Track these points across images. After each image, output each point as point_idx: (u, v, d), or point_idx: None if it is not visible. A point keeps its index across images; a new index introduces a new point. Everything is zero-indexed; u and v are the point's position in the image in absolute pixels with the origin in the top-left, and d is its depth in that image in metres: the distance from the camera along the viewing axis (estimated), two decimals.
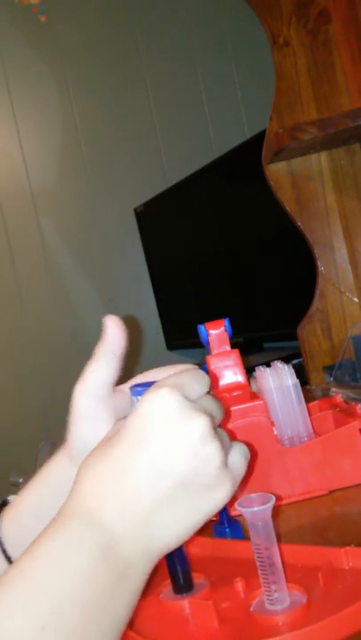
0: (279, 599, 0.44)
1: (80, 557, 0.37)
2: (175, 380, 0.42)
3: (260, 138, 1.22)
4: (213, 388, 0.51)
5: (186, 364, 0.48)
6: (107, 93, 2.10)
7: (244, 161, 1.49)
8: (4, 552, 0.48)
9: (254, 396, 0.74)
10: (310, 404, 0.81)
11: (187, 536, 0.41)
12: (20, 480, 1.08)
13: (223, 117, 2.16)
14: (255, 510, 0.43)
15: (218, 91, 2.17)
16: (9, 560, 0.48)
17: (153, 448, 0.39)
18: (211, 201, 1.76)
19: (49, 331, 2.05)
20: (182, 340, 2.02)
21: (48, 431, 1.49)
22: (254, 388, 0.80)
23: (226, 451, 0.41)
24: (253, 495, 0.44)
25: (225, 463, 0.41)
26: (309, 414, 0.75)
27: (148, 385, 0.46)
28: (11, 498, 0.53)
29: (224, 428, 0.44)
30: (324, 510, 0.66)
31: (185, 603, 0.47)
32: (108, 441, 0.42)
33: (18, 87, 2.05)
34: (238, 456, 0.42)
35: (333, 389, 1.01)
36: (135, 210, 2.07)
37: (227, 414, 0.69)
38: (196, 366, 0.48)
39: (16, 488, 1.03)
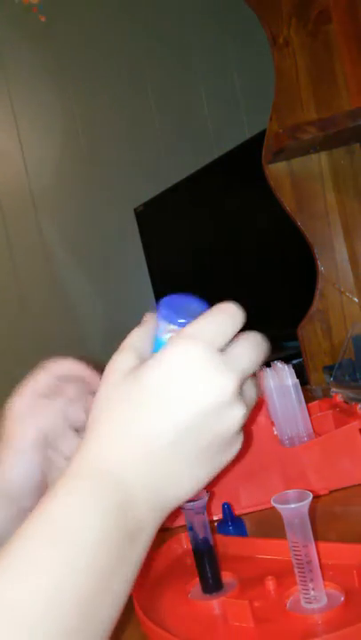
0: (316, 598, 0.42)
1: (95, 515, 0.36)
2: (204, 330, 0.41)
3: (260, 138, 1.22)
4: None
5: None
6: (107, 93, 2.10)
7: (244, 161, 1.49)
8: None
9: None
10: (310, 404, 0.81)
11: (195, 494, 0.41)
12: None
13: (223, 117, 2.16)
14: (292, 507, 0.42)
15: (218, 91, 2.17)
16: None
17: (178, 408, 0.38)
18: (211, 201, 1.76)
19: (49, 331, 2.05)
20: None
21: None
22: None
23: (248, 410, 0.41)
24: (290, 492, 0.43)
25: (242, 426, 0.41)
26: (309, 414, 0.75)
27: (176, 306, 0.43)
28: None
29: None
30: (324, 510, 0.66)
31: (216, 602, 0.46)
32: (126, 389, 0.40)
33: (18, 87, 2.05)
34: (250, 399, 0.42)
35: (333, 389, 1.01)
36: (135, 210, 2.07)
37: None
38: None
39: None
